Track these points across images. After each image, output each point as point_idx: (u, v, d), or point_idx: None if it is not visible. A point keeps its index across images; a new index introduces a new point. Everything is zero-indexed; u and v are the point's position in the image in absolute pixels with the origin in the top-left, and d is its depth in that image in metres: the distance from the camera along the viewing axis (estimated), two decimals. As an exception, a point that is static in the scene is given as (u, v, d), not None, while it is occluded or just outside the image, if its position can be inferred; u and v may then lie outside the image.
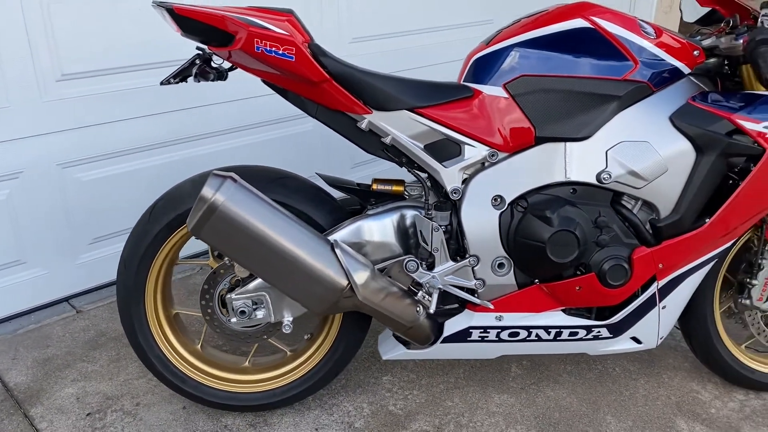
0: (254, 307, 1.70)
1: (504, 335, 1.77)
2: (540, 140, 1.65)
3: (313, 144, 3.04)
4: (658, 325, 1.80)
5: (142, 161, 2.51)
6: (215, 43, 1.57)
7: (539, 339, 1.79)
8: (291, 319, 1.71)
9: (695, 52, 1.67)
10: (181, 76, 1.66)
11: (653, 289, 1.73)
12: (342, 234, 1.68)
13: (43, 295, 2.40)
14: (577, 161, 1.64)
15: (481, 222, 1.67)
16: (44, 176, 2.29)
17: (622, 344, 1.83)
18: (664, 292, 1.74)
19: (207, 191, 1.47)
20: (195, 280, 2.59)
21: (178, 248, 1.78)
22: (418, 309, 1.69)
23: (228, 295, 1.70)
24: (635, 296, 1.74)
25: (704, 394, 2.02)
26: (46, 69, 2.20)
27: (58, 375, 2.07)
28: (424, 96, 1.64)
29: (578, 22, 1.62)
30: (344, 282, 1.56)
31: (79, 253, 2.46)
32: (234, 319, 1.70)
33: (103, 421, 1.87)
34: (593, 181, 1.63)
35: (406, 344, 1.84)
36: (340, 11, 2.93)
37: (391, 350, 1.83)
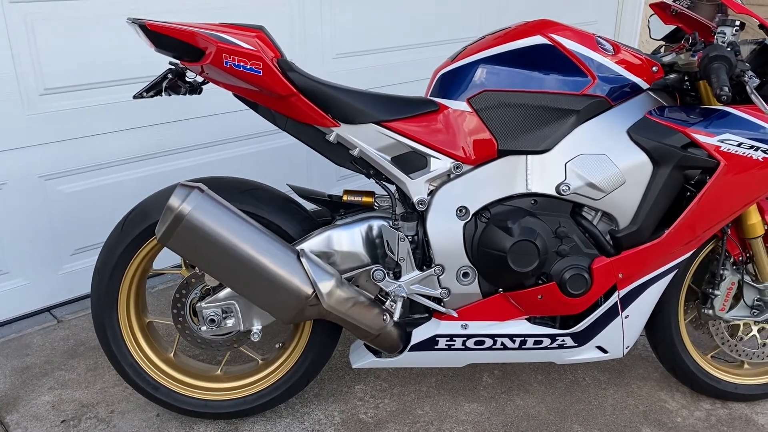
0: (224, 315, 1.73)
1: (470, 343, 1.81)
2: (502, 153, 1.69)
3: (297, 158, 3.09)
4: (622, 334, 1.84)
5: (124, 174, 2.56)
6: (187, 58, 1.63)
7: (505, 347, 1.82)
8: (260, 327, 1.75)
9: (654, 68, 1.72)
10: (153, 90, 1.71)
11: (615, 298, 1.77)
12: (310, 244, 1.72)
13: (25, 305, 2.44)
14: (538, 173, 1.68)
15: (446, 232, 1.71)
16: (27, 188, 2.33)
17: (588, 353, 1.86)
18: (626, 301, 1.78)
19: (174, 201, 1.52)
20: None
21: (151, 258, 1.82)
22: (384, 317, 1.73)
23: (199, 304, 1.73)
24: (598, 305, 1.78)
25: (672, 403, 2.05)
26: (30, 83, 2.26)
27: (35, 383, 2.10)
28: (391, 110, 1.69)
29: (538, 39, 1.67)
30: (309, 290, 1.59)
31: (61, 264, 2.50)
32: (204, 328, 1.74)
33: (77, 428, 1.90)
34: (553, 192, 1.68)
35: (376, 353, 1.87)
36: (323, 28, 2.99)
37: (361, 359, 1.87)
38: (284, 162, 3.04)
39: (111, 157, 2.50)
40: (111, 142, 2.48)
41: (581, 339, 1.82)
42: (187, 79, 1.75)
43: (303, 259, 1.61)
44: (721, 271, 1.87)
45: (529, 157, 1.69)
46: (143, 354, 1.85)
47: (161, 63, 2.47)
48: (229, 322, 1.74)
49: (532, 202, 1.71)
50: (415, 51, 3.39)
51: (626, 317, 1.80)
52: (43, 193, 2.38)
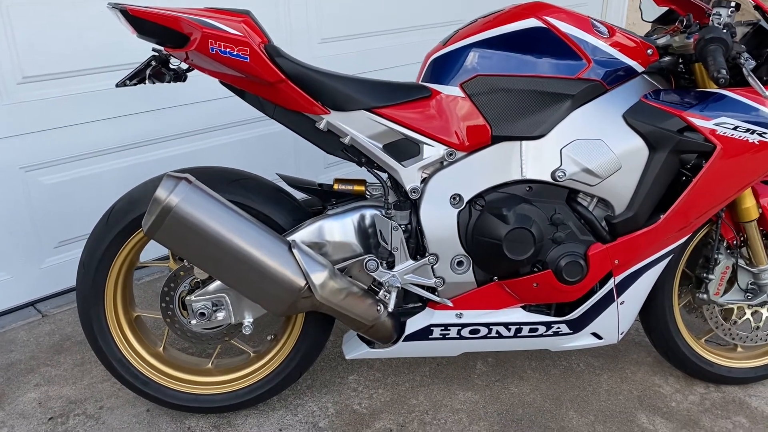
0: (214, 308, 1.70)
1: (465, 332, 1.79)
2: (496, 139, 1.66)
3: (285, 145, 3.04)
4: (617, 320, 1.82)
5: (107, 164, 2.50)
6: (171, 44, 1.57)
7: (500, 336, 1.80)
8: (251, 320, 1.71)
9: (648, 51, 1.69)
10: (137, 78, 1.65)
11: (610, 284, 1.75)
12: (301, 234, 1.68)
13: (8, 299, 2.38)
14: (533, 159, 1.66)
15: (439, 220, 1.68)
16: (7, 180, 2.27)
17: (583, 340, 1.85)
18: (622, 287, 1.77)
19: (161, 193, 1.47)
20: (162, 283, 2.57)
21: (138, 251, 1.77)
22: (378, 308, 1.70)
23: (188, 297, 1.69)
24: (593, 292, 1.76)
25: (666, 387, 2.05)
26: (7, 72, 2.18)
27: (20, 380, 2.05)
28: (382, 96, 1.65)
29: (532, 22, 1.63)
30: (302, 282, 1.56)
31: (44, 257, 2.44)
32: (194, 321, 1.70)
33: (65, 425, 1.86)
34: (548, 179, 1.65)
35: (369, 343, 1.84)
36: (308, 12, 2.93)
37: (355, 350, 1.84)
38: (271, 150, 2.99)
39: (93, 147, 2.44)
40: (93, 132, 2.42)
41: (576, 326, 1.81)
42: (171, 66, 1.70)
43: (295, 251, 1.57)
44: (716, 256, 1.86)
45: (524, 143, 1.66)
46: (132, 349, 1.81)
47: (144, 50, 2.40)
48: (220, 315, 1.70)
49: (527, 188, 1.68)
50: (401, 35, 3.34)
51: (621, 303, 1.79)
52: (23, 184, 2.31)
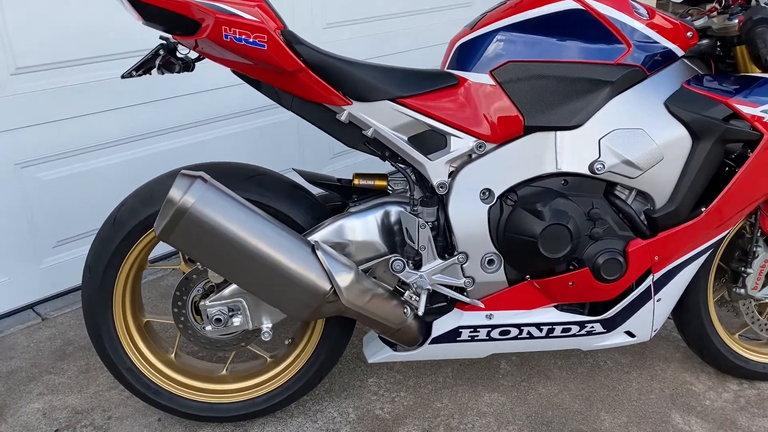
0: (230, 314, 1.59)
1: (494, 334, 1.69)
2: (529, 129, 1.56)
3: (288, 135, 2.93)
4: (652, 318, 1.74)
5: (107, 158, 2.38)
6: (180, 31, 1.45)
7: (531, 336, 1.72)
8: (270, 325, 1.61)
9: (688, 34, 1.59)
10: (144, 68, 1.54)
11: (648, 282, 1.66)
12: (323, 234, 1.58)
13: (5, 302, 2.27)
14: (569, 151, 1.56)
15: (469, 217, 1.58)
16: (2, 177, 2.14)
17: (616, 338, 1.77)
18: (660, 284, 1.68)
19: (175, 193, 1.36)
20: (167, 282, 2.47)
21: (147, 252, 1.66)
22: (405, 310, 1.60)
23: (202, 302, 1.59)
24: (630, 290, 1.67)
25: (698, 385, 1.97)
26: (-1, 62, 2.06)
27: (23, 389, 1.94)
28: (407, 85, 1.55)
29: (568, 3, 1.53)
30: (327, 286, 1.46)
31: (43, 257, 2.32)
32: (209, 327, 1.60)
33: (72, 438, 1.76)
34: (586, 171, 1.55)
35: (392, 345, 1.75)
36: (312, -5, 2.81)
37: (377, 353, 1.75)
38: (274, 140, 2.88)
39: (91, 140, 2.31)
40: (90, 125, 2.29)
41: (611, 325, 1.72)
42: (178, 55, 1.58)
43: (319, 252, 1.47)
44: (754, 249, 1.78)
45: (559, 133, 1.56)
46: (142, 357, 1.70)
47: (143, 37, 2.28)
48: (236, 321, 1.60)
49: (563, 182, 1.58)
50: (411, 18, 3.22)
51: (658, 301, 1.71)
52: (19, 181, 2.19)
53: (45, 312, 2.31)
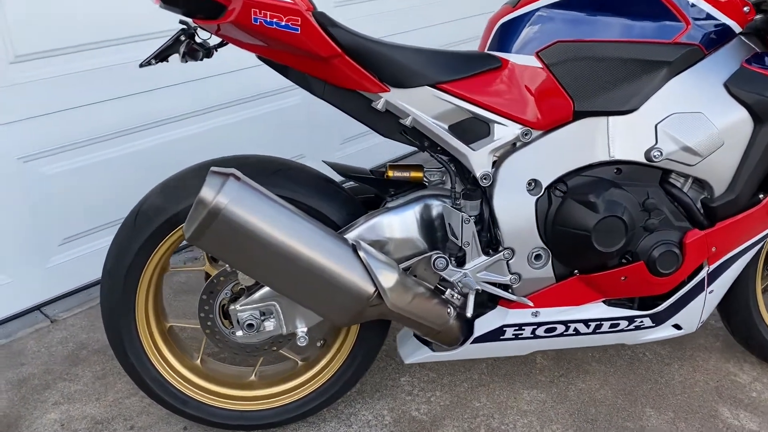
0: (262, 318, 1.49)
1: (540, 331, 1.61)
2: (579, 115, 1.46)
3: (297, 120, 2.80)
4: (702, 310, 1.66)
5: (113, 150, 2.24)
6: (202, 15, 1.33)
7: (577, 333, 1.63)
8: (305, 329, 1.51)
9: (745, 9, 1.49)
10: (163, 55, 1.41)
11: (703, 274, 1.58)
12: (359, 232, 1.48)
13: (11, 305, 2.15)
14: (623, 138, 1.46)
15: (515, 210, 1.48)
16: (3, 172, 2.01)
17: (663, 332, 1.69)
18: (713, 276, 1.60)
19: (207, 193, 1.25)
20: (179, 277, 2.35)
21: (170, 254, 1.55)
22: (448, 310, 1.51)
23: (231, 306, 1.48)
24: (683, 283, 1.59)
25: (742, 376, 1.90)
26: (-3, 50, 1.91)
27: (37, 398, 1.84)
28: (448, 69, 1.43)
29: (621, -22, 1.42)
30: (371, 289, 1.36)
31: (49, 256, 2.20)
32: (239, 333, 1.49)
33: (94, 451, 1.67)
34: (641, 159, 1.45)
35: (428, 344, 1.66)
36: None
37: (414, 353, 1.65)
38: (284, 125, 2.75)
39: (97, 131, 2.18)
40: (96, 115, 2.16)
41: (660, 318, 1.64)
42: (197, 40, 1.45)
43: (361, 253, 1.36)
44: (807, 235, 1.69)
45: (611, 118, 1.45)
46: (167, 364, 1.60)
47: (152, 20, 2.13)
48: (269, 326, 1.49)
49: (615, 171, 1.49)
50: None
51: (710, 292, 1.62)
52: (22, 176, 2.06)
53: (54, 313, 2.20)
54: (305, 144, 2.87)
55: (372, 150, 3.10)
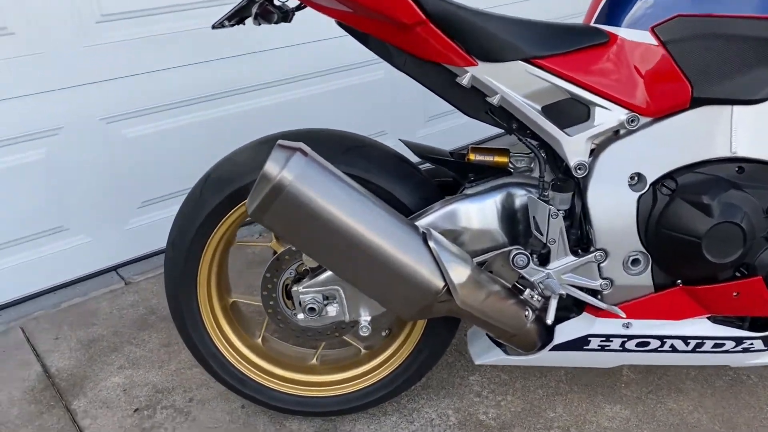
0: (325, 302, 1.40)
1: (630, 345, 1.43)
2: (698, 102, 1.26)
3: (381, 95, 2.69)
4: (822, 331, 1.43)
5: (195, 115, 2.22)
6: (280, -27, 1.23)
7: (674, 350, 1.44)
8: (369, 318, 1.41)
9: None
10: (237, 17, 1.33)
11: (832, 294, 1.35)
12: (433, 219, 1.35)
13: (88, 264, 2.18)
14: (748, 131, 1.25)
15: (613, 207, 1.31)
16: (86, 133, 2.03)
17: (774, 356, 1.47)
18: (844, 297, 1.36)
19: (271, 167, 1.16)
20: (252, 249, 2.32)
21: (236, 228, 1.49)
22: (526, 313, 1.36)
23: (294, 288, 1.40)
24: (806, 303, 1.36)
25: None
26: (84, 8, 1.90)
27: (103, 360, 1.85)
28: (546, 42, 1.27)
29: (763, -59, 1.20)
30: (440, 284, 1.23)
31: (128, 218, 2.21)
32: (301, 315, 1.41)
33: (152, 420, 1.65)
34: (769, 158, 1.24)
35: (501, 345, 1.52)
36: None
37: (486, 354, 1.52)
38: (367, 99, 2.65)
39: (180, 95, 2.16)
40: (179, 78, 2.14)
41: (774, 341, 1.42)
42: (275, 2, 1.36)
43: (431, 243, 1.24)
44: None
45: (737, 108, 1.25)
46: (227, 341, 1.55)
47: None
48: (332, 311, 1.40)
49: (737, 169, 1.28)
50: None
51: (835, 314, 1.39)
52: (104, 138, 2.07)
53: (128, 276, 2.22)
54: (387, 120, 2.76)
55: (456, 130, 2.94)
